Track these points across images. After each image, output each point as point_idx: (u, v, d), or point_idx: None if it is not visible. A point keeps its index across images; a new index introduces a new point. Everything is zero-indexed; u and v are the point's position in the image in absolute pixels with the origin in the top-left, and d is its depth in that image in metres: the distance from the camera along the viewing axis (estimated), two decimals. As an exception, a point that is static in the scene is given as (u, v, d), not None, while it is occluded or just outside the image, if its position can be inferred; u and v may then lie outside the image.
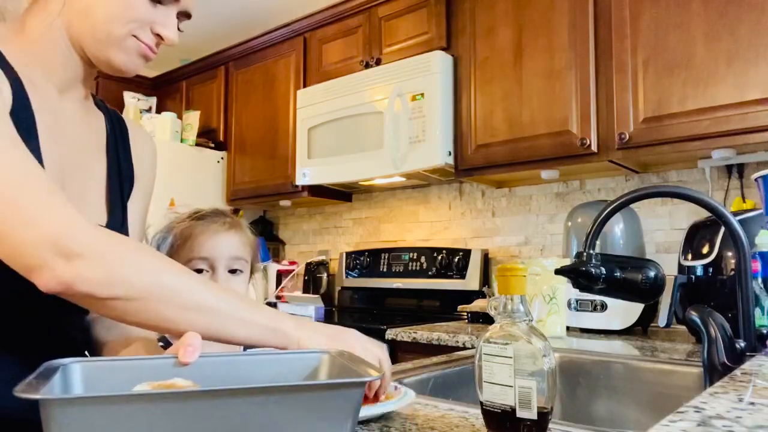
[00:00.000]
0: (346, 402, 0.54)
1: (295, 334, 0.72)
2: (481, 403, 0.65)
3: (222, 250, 1.01)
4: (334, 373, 0.64)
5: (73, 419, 0.46)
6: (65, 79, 0.81)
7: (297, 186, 2.75)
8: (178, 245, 1.01)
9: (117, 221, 0.86)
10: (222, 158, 3.19)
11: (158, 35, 0.80)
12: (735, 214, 1.42)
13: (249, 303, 0.75)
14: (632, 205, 1.74)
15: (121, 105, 3.21)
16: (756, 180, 1.49)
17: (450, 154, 2.21)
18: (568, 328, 1.74)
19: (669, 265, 1.71)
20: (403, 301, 2.68)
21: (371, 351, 0.75)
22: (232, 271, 1.03)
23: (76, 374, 0.60)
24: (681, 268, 1.57)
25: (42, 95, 0.78)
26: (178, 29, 0.85)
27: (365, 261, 2.78)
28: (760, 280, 1.25)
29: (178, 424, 0.49)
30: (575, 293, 1.73)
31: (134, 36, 0.78)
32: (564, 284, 1.64)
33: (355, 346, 0.73)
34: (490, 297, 2.14)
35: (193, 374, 0.61)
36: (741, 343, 0.98)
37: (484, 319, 2.05)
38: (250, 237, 1.08)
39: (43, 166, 0.73)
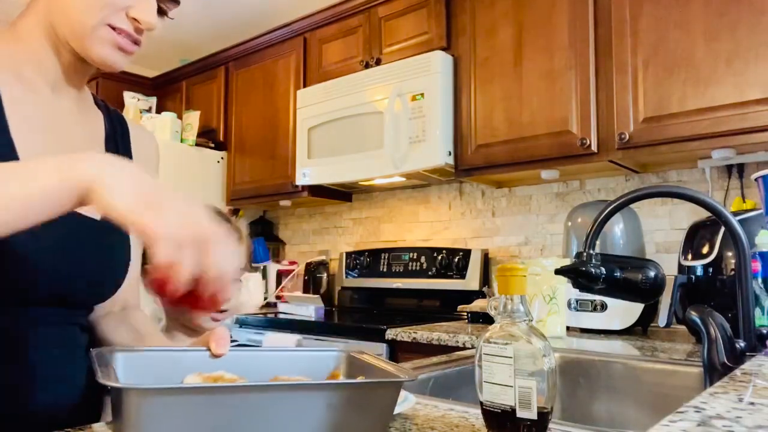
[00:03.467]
0: (389, 398, 0.59)
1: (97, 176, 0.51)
2: (481, 403, 0.65)
3: None
4: (355, 371, 0.67)
5: (152, 407, 0.49)
6: (58, 77, 0.81)
7: (297, 186, 2.75)
8: None
9: None
10: (222, 158, 3.19)
11: (135, 19, 0.78)
12: (735, 214, 1.42)
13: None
14: (632, 205, 1.74)
15: (121, 105, 3.21)
16: (756, 180, 1.48)
17: (450, 154, 2.21)
18: (568, 328, 1.74)
19: (669, 265, 1.71)
20: (403, 301, 2.68)
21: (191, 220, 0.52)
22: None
23: (120, 363, 0.61)
24: (681, 268, 1.57)
25: (33, 92, 0.78)
26: (168, 17, 0.84)
27: (365, 261, 2.78)
28: (760, 280, 1.25)
29: (239, 414, 0.52)
30: (575, 293, 1.73)
31: (109, 25, 0.76)
32: (564, 284, 1.64)
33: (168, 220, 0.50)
34: (490, 297, 2.14)
35: (228, 366, 0.64)
36: (741, 343, 0.98)
37: (484, 319, 2.05)
38: (248, 246, 1.13)
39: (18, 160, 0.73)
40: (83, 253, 0.79)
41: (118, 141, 0.91)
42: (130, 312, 0.94)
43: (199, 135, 3.13)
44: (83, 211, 0.80)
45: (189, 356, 0.65)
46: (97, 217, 0.82)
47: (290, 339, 2.25)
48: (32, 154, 0.74)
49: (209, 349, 0.65)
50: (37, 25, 0.78)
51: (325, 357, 0.71)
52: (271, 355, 0.69)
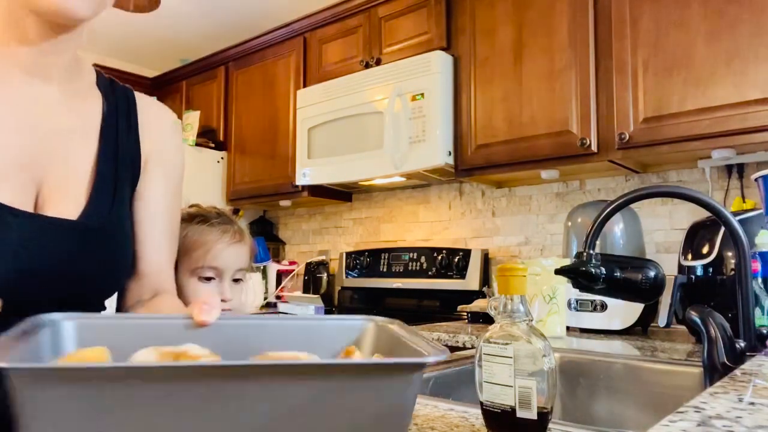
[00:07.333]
0: (403, 388, 0.44)
1: None
2: (481, 403, 0.65)
3: (232, 262, 1.07)
4: (382, 347, 0.53)
5: (46, 395, 0.36)
6: (31, 60, 0.73)
7: (297, 186, 2.75)
8: (188, 248, 1.05)
9: (102, 207, 0.78)
10: (222, 158, 3.19)
11: None
12: (735, 214, 1.42)
13: None
14: (632, 205, 1.74)
15: (121, 105, 3.21)
16: (756, 180, 1.49)
17: (450, 154, 2.21)
18: (568, 328, 1.74)
19: (669, 265, 1.71)
20: (403, 301, 2.68)
21: None
22: (235, 280, 1.08)
23: (69, 333, 0.50)
24: (681, 268, 1.57)
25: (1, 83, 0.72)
26: None
27: (365, 261, 2.78)
28: (760, 280, 1.25)
29: (186, 409, 0.38)
30: (575, 293, 1.73)
31: None
32: (564, 284, 1.64)
33: None
34: (490, 297, 2.14)
35: (212, 339, 0.51)
36: (741, 343, 0.98)
37: (484, 319, 2.05)
38: (252, 246, 1.13)
39: None
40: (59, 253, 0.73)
41: (119, 123, 0.83)
42: (160, 299, 0.83)
43: (199, 135, 3.13)
44: (53, 214, 0.73)
45: (161, 324, 0.53)
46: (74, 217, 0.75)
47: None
48: (3, 155, 0.69)
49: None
50: (6, 8, 0.71)
51: (344, 328, 0.57)
52: (272, 324, 0.55)
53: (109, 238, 0.79)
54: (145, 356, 0.45)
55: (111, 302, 0.86)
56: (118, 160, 0.82)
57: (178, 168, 0.91)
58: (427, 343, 0.48)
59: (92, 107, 0.82)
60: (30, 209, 0.72)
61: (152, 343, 0.48)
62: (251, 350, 0.50)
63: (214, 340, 0.51)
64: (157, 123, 0.89)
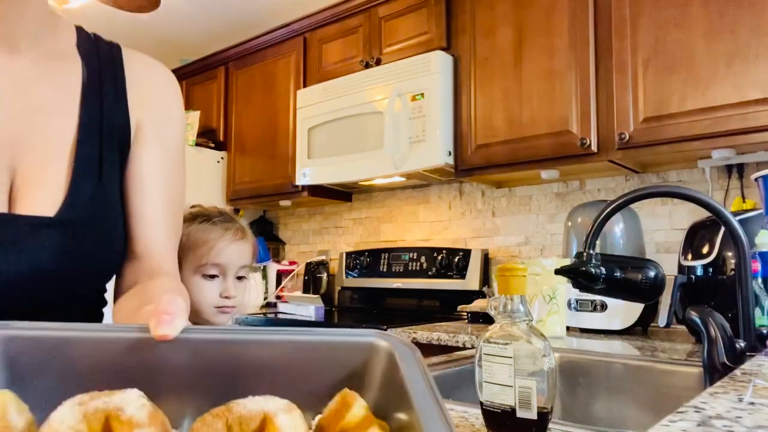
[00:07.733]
0: None
1: None
2: (481, 403, 0.65)
3: (235, 259, 1.09)
4: (387, 406, 0.39)
5: None
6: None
7: (297, 186, 2.75)
8: (191, 247, 1.07)
9: (84, 194, 0.69)
10: (222, 158, 3.19)
11: None
12: (735, 214, 1.42)
13: None
14: (632, 205, 1.74)
15: (121, 105, 3.21)
16: (756, 180, 1.49)
17: (450, 154, 2.21)
18: (568, 328, 1.74)
19: (669, 265, 1.71)
20: (402, 301, 2.68)
21: None
22: (239, 278, 1.10)
23: None
24: (681, 268, 1.57)
25: None
26: None
27: (365, 261, 2.78)
28: (760, 280, 1.25)
29: None
30: (575, 293, 1.73)
31: None
32: (564, 284, 1.64)
33: None
34: (490, 297, 2.14)
35: (174, 359, 0.40)
36: (741, 343, 0.99)
37: (484, 319, 2.05)
38: (254, 244, 1.15)
39: None
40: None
41: (104, 88, 0.73)
42: (154, 282, 0.72)
43: (199, 135, 3.13)
44: (29, 207, 0.67)
45: (112, 341, 0.40)
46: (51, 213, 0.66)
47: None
48: None
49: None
50: None
51: (348, 349, 0.42)
52: (254, 342, 0.42)
53: (94, 231, 0.70)
54: (69, 416, 0.33)
55: (110, 285, 0.82)
56: (103, 132, 0.72)
57: (176, 133, 0.79)
58: (440, 421, 0.33)
59: (71, 75, 0.72)
60: (3, 203, 0.65)
61: (93, 369, 0.38)
62: (221, 383, 0.40)
63: (177, 361, 0.40)
64: (149, 82, 0.77)
